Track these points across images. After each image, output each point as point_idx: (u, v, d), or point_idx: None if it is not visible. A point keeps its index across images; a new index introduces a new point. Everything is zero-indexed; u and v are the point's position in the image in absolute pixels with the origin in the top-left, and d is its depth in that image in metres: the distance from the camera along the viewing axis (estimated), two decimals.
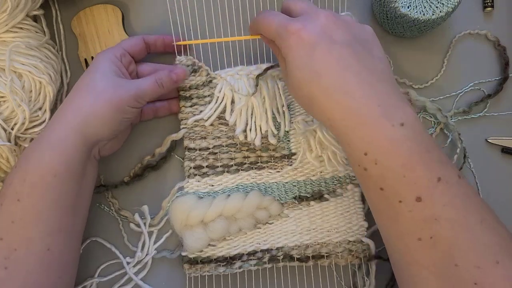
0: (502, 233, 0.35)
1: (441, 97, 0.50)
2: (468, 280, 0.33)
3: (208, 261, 0.46)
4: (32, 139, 0.48)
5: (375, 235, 0.47)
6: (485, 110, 0.50)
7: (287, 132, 0.48)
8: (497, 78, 0.50)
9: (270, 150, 0.48)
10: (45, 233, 0.39)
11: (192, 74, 0.49)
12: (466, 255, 0.33)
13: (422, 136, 0.34)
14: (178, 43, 0.48)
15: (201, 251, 0.46)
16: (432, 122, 0.50)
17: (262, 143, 0.48)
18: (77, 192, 0.41)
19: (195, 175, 0.48)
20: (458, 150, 0.48)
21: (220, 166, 0.48)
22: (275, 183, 0.48)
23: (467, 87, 0.50)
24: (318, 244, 0.47)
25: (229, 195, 0.46)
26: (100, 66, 0.42)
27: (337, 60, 0.35)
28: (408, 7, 0.45)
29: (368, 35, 0.39)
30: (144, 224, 0.48)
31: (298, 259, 0.46)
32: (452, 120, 0.50)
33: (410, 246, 0.35)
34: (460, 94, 0.50)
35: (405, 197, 0.34)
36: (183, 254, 0.46)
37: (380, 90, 0.35)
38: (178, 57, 0.49)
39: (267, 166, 0.48)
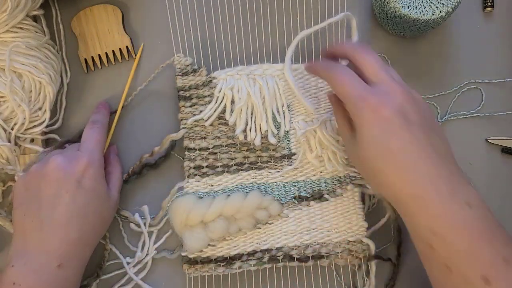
0: None
1: (436, 95, 0.50)
2: None
3: (208, 261, 0.46)
4: (32, 139, 0.48)
5: (375, 235, 0.47)
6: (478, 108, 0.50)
7: (287, 132, 0.48)
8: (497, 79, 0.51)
9: (270, 150, 0.48)
10: None
11: (192, 74, 0.49)
12: None
13: (487, 216, 0.35)
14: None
15: (201, 251, 0.46)
16: None
17: (262, 143, 0.48)
18: None
19: (195, 175, 0.48)
20: None
21: (220, 166, 0.48)
22: (275, 183, 0.48)
23: (462, 84, 0.50)
24: (318, 244, 0.47)
25: (229, 195, 0.46)
26: (96, 189, 0.43)
27: (411, 141, 0.36)
28: (408, 7, 0.45)
29: (432, 115, 0.40)
30: (144, 224, 0.48)
31: (298, 259, 0.46)
32: (452, 118, 0.50)
33: None
34: (458, 94, 0.50)
35: (472, 277, 0.34)
36: (183, 254, 0.46)
37: (447, 171, 0.36)
38: (177, 56, 0.49)
39: (267, 166, 0.48)
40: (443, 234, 0.35)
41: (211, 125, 0.48)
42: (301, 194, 0.47)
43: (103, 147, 0.46)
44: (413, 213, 0.36)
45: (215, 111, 0.48)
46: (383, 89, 0.37)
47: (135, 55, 0.51)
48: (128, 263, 0.48)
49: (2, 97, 0.44)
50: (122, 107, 0.50)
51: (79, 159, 0.42)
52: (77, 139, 0.48)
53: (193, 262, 0.46)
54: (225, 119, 0.48)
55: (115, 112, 0.50)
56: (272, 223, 0.47)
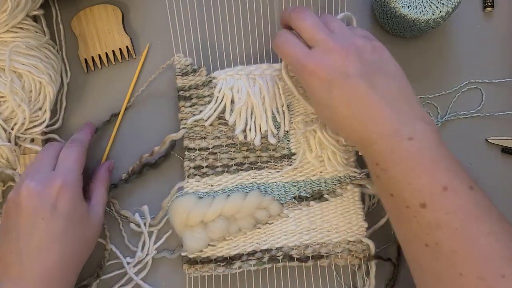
0: None
1: (436, 95, 0.50)
2: None
3: (207, 261, 0.46)
4: (32, 139, 0.48)
5: (375, 235, 0.47)
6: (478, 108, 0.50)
7: (287, 132, 0.48)
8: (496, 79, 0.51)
9: (270, 150, 0.48)
10: None
11: (192, 74, 0.49)
12: (468, 265, 0.34)
13: (430, 149, 0.37)
14: None
15: (201, 251, 0.46)
16: None
17: (262, 143, 0.48)
18: None
19: (195, 175, 0.48)
20: None
21: (220, 166, 0.48)
22: (275, 183, 0.48)
23: (462, 84, 0.50)
24: (317, 244, 0.47)
25: (229, 195, 0.46)
26: (71, 210, 0.41)
27: (351, 93, 0.38)
28: (408, 7, 0.45)
29: (380, 53, 0.40)
30: (144, 224, 0.48)
31: (297, 259, 0.46)
32: (452, 118, 0.50)
33: (418, 251, 0.38)
34: (458, 94, 0.50)
35: (410, 202, 0.37)
36: (183, 254, 0.46)
37: (393, 111, 0.38)
38: (177, 56, 0.49)
39: (267, 166, 0.48)
40: (385, 167, 0.38)
41: (211, 125, 0.48)
42: (301, 194, 0.47)
43: (81, 166, 0.43)
44: (364, 152, 0.40)
45: (215, 111, 0.48)
46: (320, 51, 0.39)
47: (135, 55, 0.51)
48: (128, 263, 0.48)
49: (2, 97, 0.45)
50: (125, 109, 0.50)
51: (53, 181, 0.40)
52: None
53: (193, 262, 0.46)
54: (225, 119, 0.48)
55: (117, 114, 0.50)
56: (272, 223, 0.47)
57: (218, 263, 0.46)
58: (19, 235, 0.39)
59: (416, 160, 0.37)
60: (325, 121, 0.43)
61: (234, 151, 0.48)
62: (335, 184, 0.48)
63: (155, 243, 0.48)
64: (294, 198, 0.47)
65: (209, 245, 0.46)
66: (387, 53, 0.41)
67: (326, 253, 0.46)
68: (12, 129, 0.45)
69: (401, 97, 0.39)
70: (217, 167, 0.48)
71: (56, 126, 0.50)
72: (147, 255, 0.48)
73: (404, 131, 0.37)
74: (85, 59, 0.51)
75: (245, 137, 0.47)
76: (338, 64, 0.38)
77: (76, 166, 0.42)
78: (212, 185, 0.48)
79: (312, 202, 0.47)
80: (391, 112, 0.38)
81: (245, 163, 0.48)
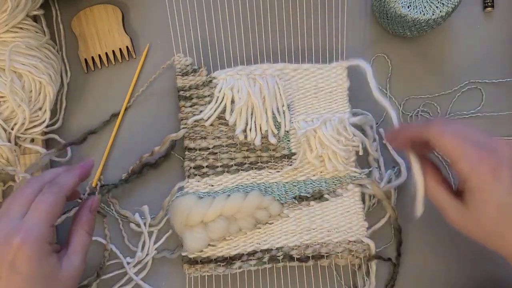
0: None
1: (436, 95, 0.50)
2: None
3: (208, 261, 0.46)
4: (32, 139, 0.48)
5: (375, 235, 0.47)
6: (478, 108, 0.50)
7: (287, 132, 0.48)
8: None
9: (270, 150, 0.48)
10: None
11: (192, 74, 0.49)
12: None
13: None
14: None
15: (201, 251, 0.46)
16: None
17: (262, 143, 0.48)
18: None
19: (195, 175, 0.48)
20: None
21: (220, 166, 0.48)
22: (275, 183, 0.48)
23: (462, 84, 0.50)
24: (318, 244, 0.47)
25: (229, 195, 0.46)
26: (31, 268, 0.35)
27: None
28: (408, 7, 0.45)
29: None
30: (144, 224, 0.48)
31: (298, 259, 0.46)
32: (452, 118, 0.50)
33: None
34: (458, 94, 0.50)
35: None
36: (183, 254, 0.46)
37: None
38: (177, 56, 0.49)
39: (267, 166, 0.48)
40: None
41: (211, 125, 0.48)
42: (301, 194, 0.47)
43: (53, 218, 0.37)
44: None
45: (215, 111, 0.48)
46: (488, 146, 0.36)
47: (135, 55, 0.51)
48: (128, 263, 0.48)
49: (2, 97, 0.44)
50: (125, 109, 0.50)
51: (14, 235, 0.35)
52: (79, 142, 0.49)
53: (193, 262, 0.46)
54: (225, 119, 0.48)
55: (117, 114, 0.50)
56: (272, 223, 0.47)
57: (218, 263, 0.46)
58: None
59: None
60: (486, 231, 0.37)
61: (234, 151, 0.48)
62: (335, 184, 0.48)
63: (155, 243, 0.48)
64: (295, 198, 0.47)
65: (209, 245, 0.46)
66: None
67: (326, 253, 0.46)
68: (12, 129, 0.45)
69: None
70: (217, 167, 0.48)
71: (56, 126, 0.50)
72: (147, 255, 0.48)
73: None
74: (85, 59, 0.51)
75: (246, 137, 0.47)
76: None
77: (46, 218, 0.37)
78: (212, 185, 0.48)
79: (312, 202, 0.47)
80: None
81: (246, 163, 0.48)
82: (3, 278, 0.34)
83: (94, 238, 0.48)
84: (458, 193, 0.38)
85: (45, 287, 0.36)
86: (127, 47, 0.51)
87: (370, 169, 0.48)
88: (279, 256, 0.46)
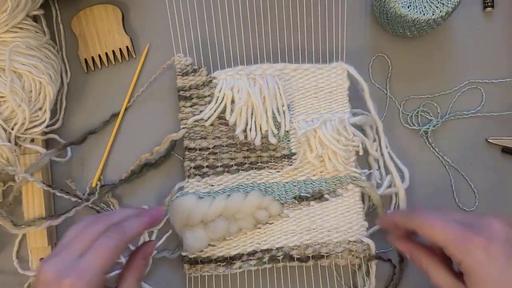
0: None
1: (436, 94, 0.50)
2: None
3: (208, 261, 0.46)
4: (32, 139, 0.48)
5: (375, 235, 0.47)
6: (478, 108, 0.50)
7: (287, 132, 0.48)
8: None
9: (270, 150, 0.48)
10: None
11: (192, 74, 0.49)
12: None
13: None
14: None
15: (201, 251, 0.46)
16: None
17: (262, 143, 0.48)
18: None
19: (195, 175, 0.48)
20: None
21: (220, 166, 0.48)
22: (275, 183, 0.48)
23: (462, 84, 0.50)
24: (318, 244, 0.47)
25: (229, 195, 0.46)
26: None
27: None
28: (408, 7, 0.45)
29: None
30: None
31: (298, 259, 0.46)
32: (452, 118, 0.50)
33: None
34: (458, 94, 0.50)
35: None
36: (183, 254, 0.46)
37: None
38: (177, 56, 0.49)
39: (267, 166, 0.48)
40: None
41: (211, 125, 0.48)
42: (302, 194, 0.47)
43: (110, 263, 0.36)
44: None
45: (215, 111, 0.48)
46: (476, 225, 0.37)
47: (135, 55, 0.51)
48: None
49: (2, 97, 0.44)
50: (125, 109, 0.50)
51: (67, 275, 0.35)
52: (79, 142, 0.49)
53: (193, 262, 0.46)
54: (225, 119, 0.48)
55: (117, 114, 0.50)
56: (272, 223, 0.47)
57: (219, 263, 0.46)
58: None
59: None
60: None
61: (234, 151, 0.48)
62: (335, 184, 0.48)
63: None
64: (295, 198, 0.47)
65: (209, 245, 0.46)
66: None
67: (326, 253, 0.46)
68: (12, 129, 0.45)
69: None
70: (217, 167, 0.48)
71: (56, 126, 0.50)
72: None
73: None
74: (85, 59, 0.51)
75: (246, 137, 0.47)
76: (506, 236, 0.36)
77: (102, 264, 0.36)
78: (212, 185, 0.48)
79: (312, 202, 0.47)
80: None
81: (246, 163, 0.48)
82: None
83: None
84: (460, 274, 0.38)
85: None
86: (127, 47, 0.51)
87: (370, 171, 0.48)
88: (279, 256, 0.46)
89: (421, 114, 0.50)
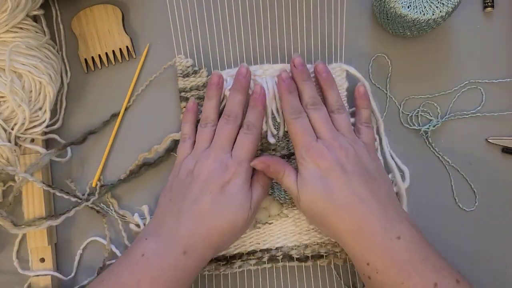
0: None
1: (436, 94, 0.50)
2: None
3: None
4: (32, 140, 0.48)
5: None
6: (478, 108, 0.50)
7: (287, 132, 0.48)
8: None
9: (270, 150, 0.48)
10: None
11: (193, 75, 0.49)
12: None
13: (417, 247, 0.40)
14: None
15: None
16: None
17: (262, 143, 0.48)
18: None
19: None
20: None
21: None
22: (275, 183, 0.48)
23: (462, 84, 0.50)
24: (317, 244, 0.47)
25: None
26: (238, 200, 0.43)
27: (347, 184, 0.41)
28: (408, 7, 0.45)
29: (375, 166, 0.44)
30: (144, 224, 0.48)
31: (297, 259, 0.46)
32: (452, 118, 0.50)
33: None
34: (458, 94, 0.50)
35: None
36: None
37: (381, 209, 0.40)
38: (178, 58, 0.49)
39: None
40: (376, 266, 0.40)
41: None
42: None
43: (253, 156, 0.44)
44: (352, 248, 0.41)
45: None
46: (325, 144, 0.42)
47: (135, 55, 0.51)
48: None
49: (2, 97, 0.44)
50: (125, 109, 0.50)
51: (228, 168, 0.43)
52: (79, 142, 0.49)
53: None
54: None
55: (117, 114, 0.50)
56: (272, 223, 0.47)
57: (218, 263, 0.46)
58: (185, 198, 0.42)
59: (406, 259, 0.39)
60: (312, 213, 0.43)
61: None
62: None
63: None
64: None
65: None
66: (376, 164, 0.44)
67: (325, 252, 0.46)
68: (12, 129, 0.45)
69: (387, 200, 0.42)
70: None
71: (56, 126, 0.50)
72: None
73: (392, 230, 0.40)
74: (85, 59, 0.51)
75: None
76: (339, 160, 0.42)
77: (249, 157, 0.44)
78: None
79: None
80: (381, 211, 0.40)
81: None
82: (212, 193, 0.42)
83: (94, 238, 0.49)
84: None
85: (236, 212, 0.42)
86: (127, 47, 0.51)
87: None
88: (278, 256, 0.46)
89: (421, 114, 0.50)
